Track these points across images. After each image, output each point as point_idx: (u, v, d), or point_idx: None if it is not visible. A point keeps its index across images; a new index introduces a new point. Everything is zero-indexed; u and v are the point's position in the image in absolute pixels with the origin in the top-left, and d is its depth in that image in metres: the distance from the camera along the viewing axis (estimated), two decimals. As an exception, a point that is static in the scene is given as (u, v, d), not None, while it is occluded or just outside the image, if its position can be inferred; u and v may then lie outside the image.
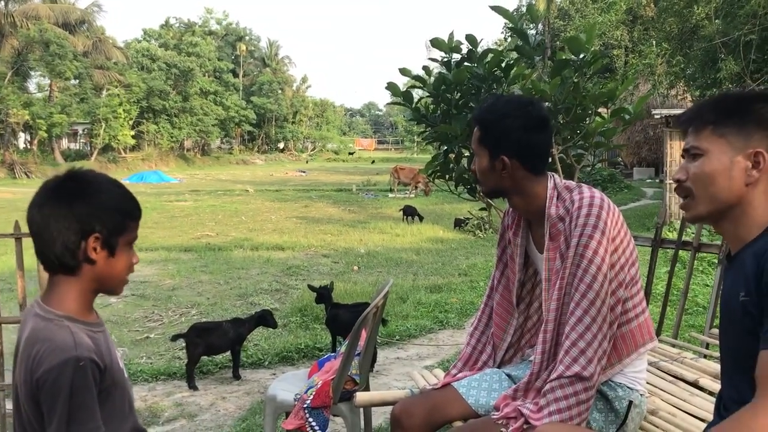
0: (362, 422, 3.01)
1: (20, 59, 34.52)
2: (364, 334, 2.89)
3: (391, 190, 22.33)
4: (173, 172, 35.60)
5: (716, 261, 3.56)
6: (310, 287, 4.97)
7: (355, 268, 8.76)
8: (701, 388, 2.37)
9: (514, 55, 3.75)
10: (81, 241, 1.39)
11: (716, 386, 2.29)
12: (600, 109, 3.62)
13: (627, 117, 3.48)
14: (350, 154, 63.33)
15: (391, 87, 3.68)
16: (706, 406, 2.17)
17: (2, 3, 35.39)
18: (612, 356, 1.89)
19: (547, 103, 3.25)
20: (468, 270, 8.48)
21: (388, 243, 11.15)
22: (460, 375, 2.16)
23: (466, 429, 1.97)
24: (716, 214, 1.43)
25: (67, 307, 1.41)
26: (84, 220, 1.39)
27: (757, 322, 1.29)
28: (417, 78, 3.64)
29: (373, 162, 24.92)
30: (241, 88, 54.59)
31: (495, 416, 1.90)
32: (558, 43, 19.56)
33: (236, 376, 4.49)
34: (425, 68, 3.75)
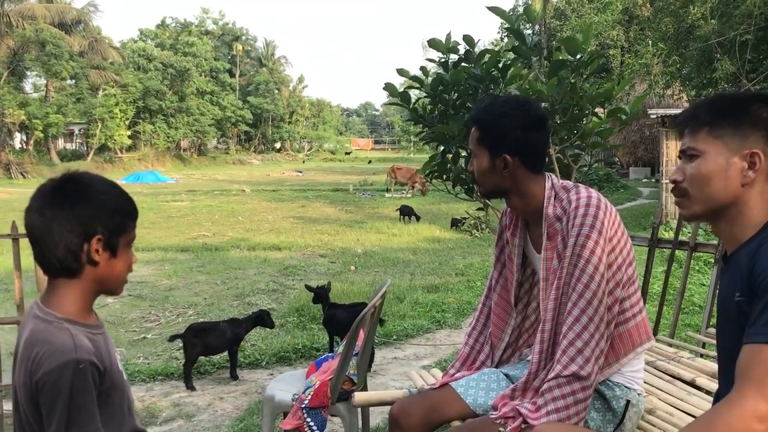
0: (360, 422, 3.01)
1: (16, 59, 34.41)
2: (361, 334, 2.89)
3: (388, 190, 22.32)
4: (170, 172, 35.53)
5: (712, 260, 3.58)
6: (308, 287, 4.97)
7: (352, 268, 8.76)
8: (698, 388, 2.38)
9: (511, 55, 3.76)
10: (84, 243, 1.40)
11: (713, 385, 2.30)
12: (597, 110, 3.63)
13: (624, 117, 3.49)
14: (347, 154, 63.26)
15: (389, 87, 3.68)
16: (704, 406, 2.18)
17: (-2, 3, 35.30)
18: (609, 356, 1.90)
19: (544, 104, 3.26)
20: (465, 270, 8.49)
21: (385, 243, 11.15)
22: (458, 375, 2.17)
23: (464, 429, 1.98)
24: (712, 214, 1.44)
25: (67, 310, 1.41)
26: (86, 223, 1.39)
27: None
28: (414, 78, 3.65)
29: (369, 162, 24.91)
30: (237, 88, 54.49)
31: (493, 416, 1.90)
32: (554, 43, 19.59)
33: (233, 377, 4.48)
34: (423, 69, 3.75)
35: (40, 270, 1.45)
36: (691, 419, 2.10)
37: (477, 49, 3.62)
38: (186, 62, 44.18)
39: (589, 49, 3.43)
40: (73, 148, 43.02)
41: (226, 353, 4.55)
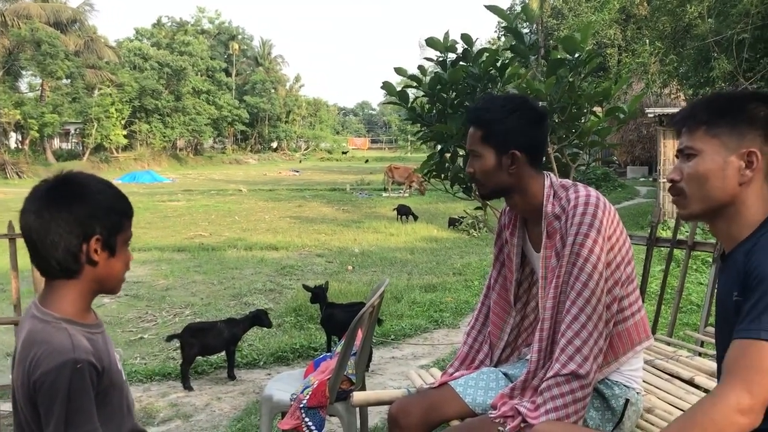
0: (358, 422, 3.00)
1: (11, 58, 34.32)
2: (360, 334, 2.88)
3: (385, 190, 22.32)
4: (166, 171, 35.48)
5: (710, 260, 3.58)
6: (305, 287, 4.96)
7: (350, 267, 8.76)
8: (697, 386, 2.38)
9: (509, 54, 3.75)
10: (83, 244, 1.39)
11: (712, 384, 2.30)
12: (595, 108, 3.63)
13: (622, 116, 3.49)
14: (344, 153, 63.15)
15: (387, 86, 3.67)
16: (702, 404, 2.17)
17: (-7, 2, 35.19)
18: (608, 354, 1.90)
19: (542, 103, 3.25)
20: (462, 269, 8.49)
21: (382, 242, 11.15)
22: (457, 374, 2.16)
23: (463, 428, 1.97)
24: (710, 213, 1.44)
25: (65, 310, 1.41)
26: (85, 223, 1.39)
27: None
28: (412, 77, 3.64)
29: (366, 161, 24.87)
30: (233, 88, 54.43)
31: (492, 415, 1.90)
32: (551, 42, 19.60)
33: (231, 377, 4.48)
34: (420, 67, 3.74)
35: (36, 270, 1.44)
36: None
37: (475, 48, 3.62)
38: (182, 61, 44.13)
39: (587, 48, 3.43)
40: (69, 147, 42.90)
41: (223, 353, 4.54)
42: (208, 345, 4.38)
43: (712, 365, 2.44)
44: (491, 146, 1.93)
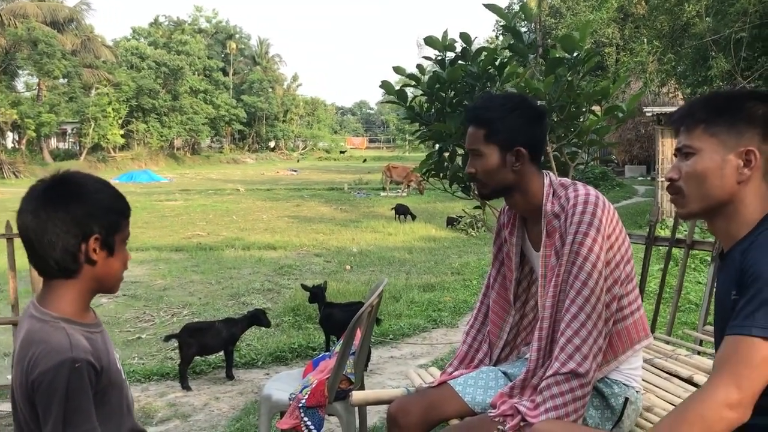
0: (357, 421, 3.00)
1: (8, 58, 34.22)
2: (359, 333, 2.88)
3: (383, 189, 22.32)
4: (163, 171, 35.44)
5: (709, 259, 3.58)
6: (304, 287, 4.96)
7: (348, 267, 8.75)
8: (696, 385, 2.38)
9: (507, 53, 3.75)
10: (81, 243, 1.39)
11: (711, 383, 2.29)
12: (594, 107, 3.63)
13: (620, 115, 3.49)
14: (341, 152, 63.17)
15: (386, 85, 3.66)
16: (701, 403, 2.17)
17: (-11, 1, 35.11)
18: (608, 353, 1.90)
19: (541, 101, 3.25)
20: (461, 268, 8.49)
21: (380, 242, 11.14)
22: (456, 373, 2.16)
23: (462, 427, 1.97)
24: (709, 212, 1.45)
25: (63, 309, 1.41)
26: (83, 222, 1.39)
27: None
28: (411, 76, 3.63)
29: (364, 161, 24.90)
30: (231, 87, 54.38)
31: (492, 414, 1.90)
32: (549, 41, 19.61)
33: (229, 376, 4.47)
34: (419, 66, 3.74)
35: (34, 270, 1.44)
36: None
37: (473, 48, 3.61)
38: (179, 61, 44.08)
39: (586, 47, 3.43)
40: (66, 147, 42.84)
41: (221, 353, 4.53)
42: (207, 345, 4.37)
43: (711, 364, 2.44)
44: (495, 144, 1.92)
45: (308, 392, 2.70)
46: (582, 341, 1.80)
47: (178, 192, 22.53)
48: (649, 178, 24.55)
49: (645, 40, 11.98)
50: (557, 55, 3.41)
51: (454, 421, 2.05)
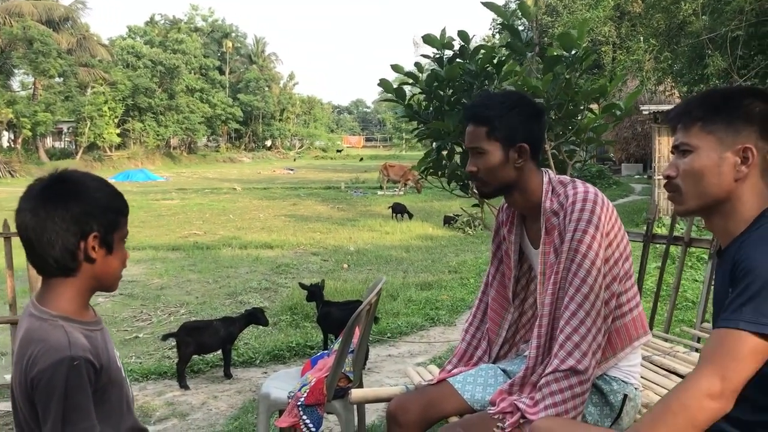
0: (356, 419, 3.00)
1: (3, 57, 34.10)
2: (357, 332, 2.88)
3: (380, 188, 22.31)
4: (159, 170, 35.37)
5: (706, 257, 3.59)
6: (302, 285, 4.96)
7: (345, 266, 8.75)
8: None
9: (505, 51, 3.75)
10: (80, 241, 1.39)
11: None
12: (591, 105, 3.64)
13: (618, 113, 3.49)
14: (338, 151, 63.18)
15: (384, 84, 3.66)
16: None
17: (-16, 0, 34.96)
18: (607, 350, 1.90)
19: (539, 99, 3.26)
20: (458, 267, 8.50)
21: (377, 241, 11.14)
22: (455, 371, 2.16)
23: (462, 424, 1.97)
24: (706, 209, 1.45)
25: (62, 307, 1.40)
26: (82, 221, 1.39)
27: None
28: (409, 74, 3.63)
29: (361, 159, 24.96)
30: (227, 86, 54.28)
31: (491, 411, 1.90)
32: (546, 39, 19.62)
33: (227, 375, 4.46)
34: (417, 64, 3.73)
35: (32, 269, 1.44)
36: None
37: (471, 46, 3.61)
38: (175, 59, 43.97)
39: (584, 45, 3.43)
40: (62, 146, 42.73)
41: (219, 352, 4.53)
42: (204, 344, 4.36)
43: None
44: (497, 141, 1.92)
45: (307, 390, 2.70)
46: (581, 338, 1.80)
47: (175, 191, 22.48)
48: (645, 176, 24.59)
49: (641, 38, 11.99)
50: (555, 53, 3.41)
51: (454, 419, 2.05)
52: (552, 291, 1.89)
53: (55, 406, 1.29)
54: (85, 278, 1.43)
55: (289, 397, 2.75)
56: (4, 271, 3.56)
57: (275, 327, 5.64)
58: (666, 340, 3.01)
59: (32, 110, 32.05)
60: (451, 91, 3.58)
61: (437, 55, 3.60)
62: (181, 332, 4.33)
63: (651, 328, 3.29)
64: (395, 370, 4.59)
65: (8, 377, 2.67)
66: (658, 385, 2.37)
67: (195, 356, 4.46)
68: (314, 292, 4.81)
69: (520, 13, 3.83)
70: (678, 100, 13.35)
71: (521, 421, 1.82)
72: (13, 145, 35.98)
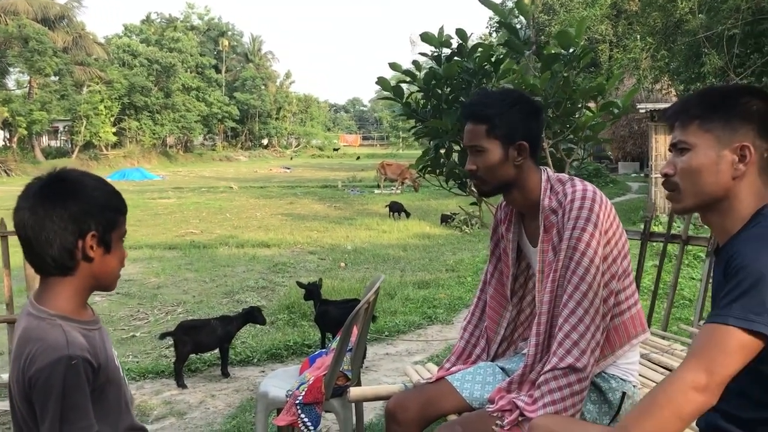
0: (354, 418, 3.00)
1: (-1, 55, 34.01)
2: (355, 330, 2.88)
3: (378, 186, 22.31)
4: (156, 169, 35.30)
5: (703, 255, 3.60)
6: (299, 284, 4.95)
7: (342, 264, 8.74)
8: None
9: (503, 49, 3.75)
10: (78, 240, 1.39)
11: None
12: (589, 104, 3.64)
13: (616, 111, 3.50)
14: (335, 150, 63.14)
15: (382, 82, 3.65)
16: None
17: (-21, -2, 34.82)
18: (605, 348, 1.90)
19: (537, 97, 3.26)
20: (455, 265, 8.50)
21: (374, 239, 11.14)
22: (453, 369, 2.16)
23: (460, 422, 1.97)
24: (704, 207, 1.45)
25: (60, 306, 1.40)
26: (80, 219, 1.38)
27: None
28: (407, 72, 3.63)
29: (358, 158, 24.95)
30: (223, 84, 54.20)
31: (490, 409, 1.90)
32: (543, 37, 19.63)
33: (225, 374, 4.46)
34: (415, 63, 3.73)
35: (30, 268, 1.43)
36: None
37: (468, 44, 3.61)
38: (171, 58, 43.86)
39: (581, 44, 3.43)
40: (58, 145, 42.60)
41: (217, 351, 4.52)
42: (202, 342, 4.36)
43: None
44: (497, 139, 1.92)
45: (305, 389, 2.70)
46: (580, 336, 1.80)
47: (171, 190, 22.44)
48: (642, 175, 24.62)
49: (638, 36, 11.99)
50: (553, 51, 3.41)
51: (452, 417, 2.05)
52: (550, 289, 1.89)
53: (52, 405, 1.28)
54: (83, 277, 1.42)
55: (287, 396, 2.74)
56: (1, 270, 3.55)
57: (273, 326, 5.64)
58: (663, 337, 3.02)
59: (28, 109, 31.95)
60: (449, 89, 3.58)
61: (435, 53, 3.60)
62: (179, 331, 4.32)
63: (649, 326, 3.30)
64: (393, 369, 4.59)
65: (6, 376, 2.65)
66: (656, 382, 2.37)
67: (192, 355, 4.46)
68: (312, 291, 4.81)
69: (517, 11, 3.83)
70: (675, 99, 13.36)
71: (520, 419, 1.82)
72: (8, 144, 35.86)
